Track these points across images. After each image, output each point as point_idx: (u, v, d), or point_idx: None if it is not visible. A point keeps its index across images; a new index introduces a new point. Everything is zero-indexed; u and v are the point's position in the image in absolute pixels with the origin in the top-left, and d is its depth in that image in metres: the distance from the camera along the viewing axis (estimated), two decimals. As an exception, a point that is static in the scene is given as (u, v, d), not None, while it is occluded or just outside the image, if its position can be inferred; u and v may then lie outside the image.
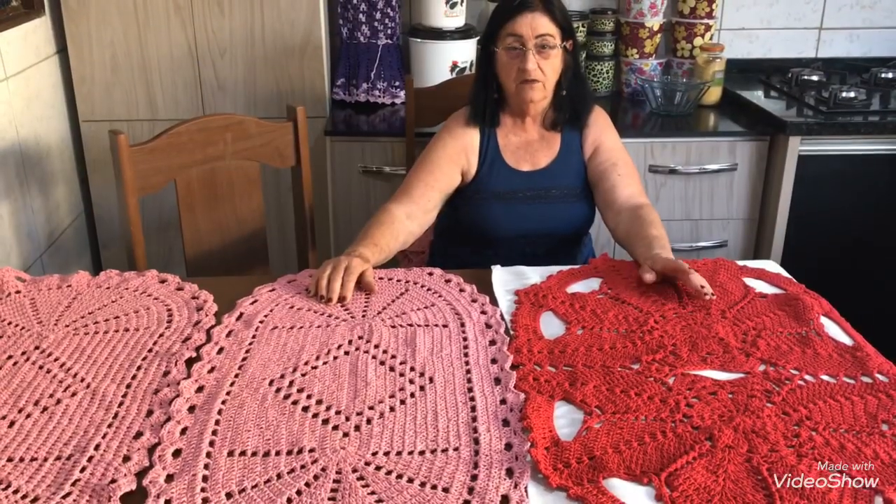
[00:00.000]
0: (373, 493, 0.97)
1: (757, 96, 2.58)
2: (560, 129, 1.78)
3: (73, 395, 1.17)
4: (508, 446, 1.06)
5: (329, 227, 2.43)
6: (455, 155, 1.74)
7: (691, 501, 0.95)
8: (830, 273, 2.40)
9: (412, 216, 1.67)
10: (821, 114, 2.34)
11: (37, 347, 1.29)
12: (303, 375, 1.22)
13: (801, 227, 2.38)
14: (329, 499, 0.97)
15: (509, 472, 1.01)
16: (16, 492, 0.98)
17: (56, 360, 1.26)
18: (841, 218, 2.39)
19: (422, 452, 1.05)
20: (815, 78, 2.62)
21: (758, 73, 2.80)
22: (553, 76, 1.70)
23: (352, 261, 1.47)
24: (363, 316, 1.39)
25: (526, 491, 0.98)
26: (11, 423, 1.11)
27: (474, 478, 1.00)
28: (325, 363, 1.25)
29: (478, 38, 2.55)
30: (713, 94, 2.58)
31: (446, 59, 2.50)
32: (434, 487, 0.98)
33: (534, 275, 1.53)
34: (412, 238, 1.68)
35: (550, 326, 1.36)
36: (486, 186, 1.75)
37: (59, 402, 1.15)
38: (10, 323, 1.37)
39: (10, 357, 1.27)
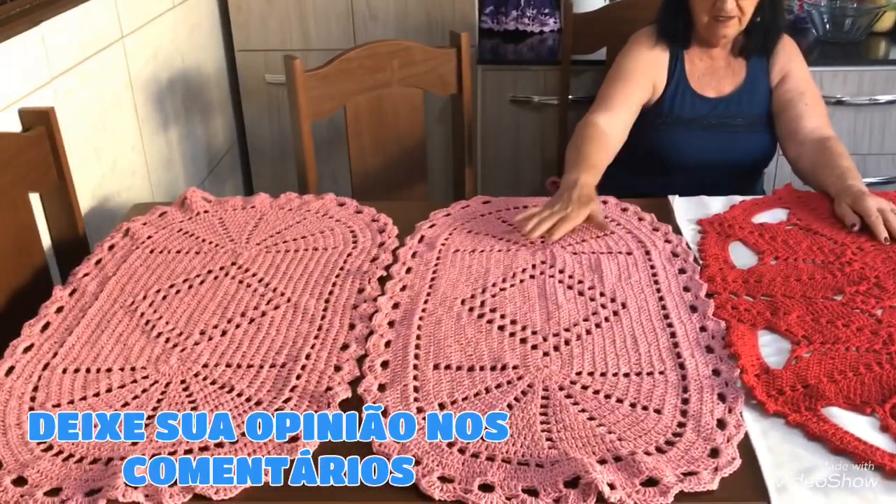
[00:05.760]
0: (583, 410, 0.98)
1: (936, 22, 2.39)
2: (748, 56, 1.70)
3: (276, 307, 1.22)
4: (716, 372, 1.04)
5: (477, 157, 2.42)
6: (647, 68, 1.68)
7: (922, 435, 0.92)
8: None
9: (614, 127, 1.60)
10: None
11: (233, 263, 1.35)
12: (493, 296, 1.23)
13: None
14: (540, 413, 0.98)
15: (721, 398, 0.99)
16: (240, 395, 1.04)
17: (254, 275, 1.31)
18: None
19: (626, 374, 1.04)
20: None
21: (935, -2, 2.59)
22: (750, 9, 1.59)
23: (579, 210, 1.37)
24: (542, 242, 1.39)
25: (741, 416, 0.96)
26: (224, 332, 1.17)
27: (685, 401, 0.99)
28: (512, 285, 1.26)
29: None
30: (887, 20, 2.41)
31: (601, -16, 2.41)
32: (645, 409, 0.98)
33: (716, 204, 1.49)
34: (615, 151, 1.61)
35: (741, 256, 1.32)
36: (671, 111, 1.69)
37: (263, 314, 1.20)
38: (204, 240, 1.43)
39: (210, 272, 1.33)
